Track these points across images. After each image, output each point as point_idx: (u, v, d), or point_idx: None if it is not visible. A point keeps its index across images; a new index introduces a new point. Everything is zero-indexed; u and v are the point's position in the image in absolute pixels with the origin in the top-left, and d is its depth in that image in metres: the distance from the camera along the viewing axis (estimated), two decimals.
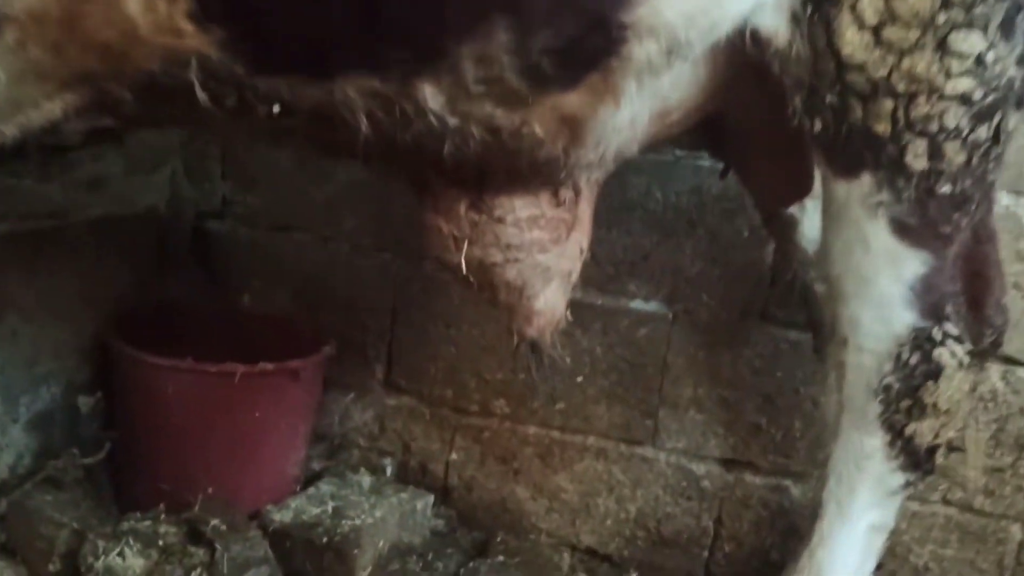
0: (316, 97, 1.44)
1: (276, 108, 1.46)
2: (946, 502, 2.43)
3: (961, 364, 1.67)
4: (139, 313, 2.46)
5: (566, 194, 1.69)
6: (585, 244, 1.81)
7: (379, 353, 2.69)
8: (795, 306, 2.41)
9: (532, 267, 1.72)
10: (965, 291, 1.70)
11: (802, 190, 1.87)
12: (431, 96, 1.43)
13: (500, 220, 1.66)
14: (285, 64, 1.42)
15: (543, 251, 1.72)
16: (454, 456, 2.68)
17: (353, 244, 2.65)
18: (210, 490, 2.22)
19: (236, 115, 1.48)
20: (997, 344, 1.83)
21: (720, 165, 2.29)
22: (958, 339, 1.66)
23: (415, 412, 2.69)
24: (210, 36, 1.34)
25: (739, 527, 2.56)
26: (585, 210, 1.76)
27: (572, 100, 1.47)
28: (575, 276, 1.84)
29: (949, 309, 1.66)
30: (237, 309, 2.63)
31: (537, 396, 2.60)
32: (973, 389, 1.73)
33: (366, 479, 2.53)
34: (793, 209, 2.07)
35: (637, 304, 2.53)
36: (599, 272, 2.52)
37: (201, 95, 1.42)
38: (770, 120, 1.65)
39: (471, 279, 1.74)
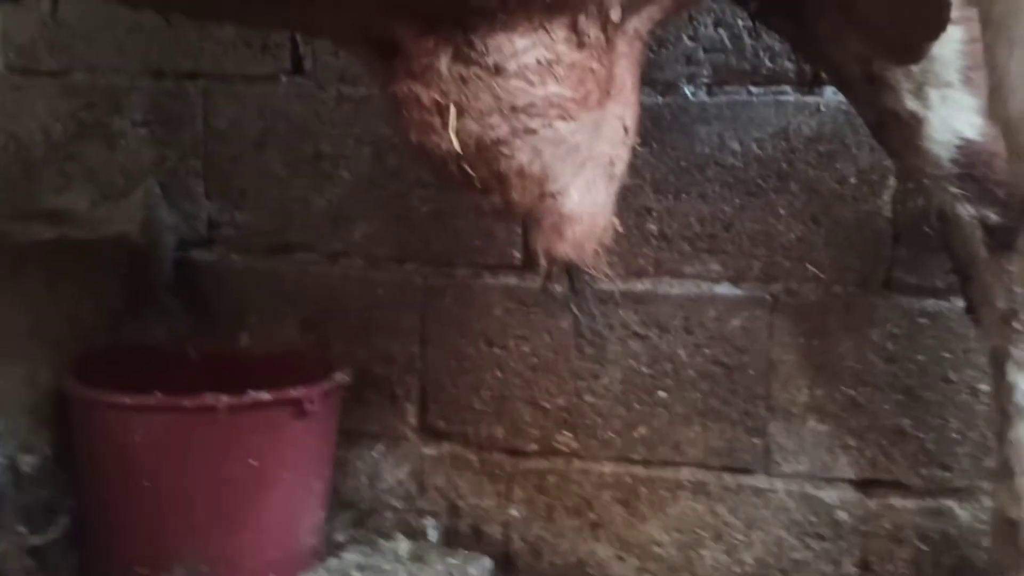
0: None
1: None
2: None
3: None
4: (108, 357, 1.99)
5: (591, 29, 1.18)
6: (631, 123, 1.29)
7: (409, 389, 2.18)
8: (931, 264, 1.89)
9: (553, 142, 1.20)
10: None
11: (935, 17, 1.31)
12: None
13: (498, 70, 1.16)
14: None
15: (566, 117, 1.19)
16: (514, 512, 2.14)
17: (367, 257, 2.19)
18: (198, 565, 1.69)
19: None
20: None
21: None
22: None
23: (460, 460, 2.16)
24: None
25: (893, 569, 1.96)
26: (625, 70, 1.25)
27: None
28: (620, 169, 1.30)
29: None
30: (233, 349, 2.15)
31: (610, 424, 2.07)
32: None
33: (403, 545, 1.98)
34: (913, 104, 1.54)
35: (725, 289, 2.01)
36: (671, 252, 2.03)
37: None
38: None
39: (470, 173, 1.22)
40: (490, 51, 1.16)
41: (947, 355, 1.91)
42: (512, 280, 2.12)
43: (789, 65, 1.94)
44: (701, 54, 2.00)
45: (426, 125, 1.21)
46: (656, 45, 1.98)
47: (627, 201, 2.02)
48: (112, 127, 2.29)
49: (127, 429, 1.75)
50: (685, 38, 2.00)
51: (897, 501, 1.96)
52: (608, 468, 2.09)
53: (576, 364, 2.08)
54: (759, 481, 2.02)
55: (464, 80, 1.17)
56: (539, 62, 1.17)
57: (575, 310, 1.37)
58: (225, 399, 1.72)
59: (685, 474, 2.06)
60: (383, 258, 2.18)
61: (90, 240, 2.07)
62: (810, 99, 1.93)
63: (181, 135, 2.26)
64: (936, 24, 1.27)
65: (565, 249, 1.27)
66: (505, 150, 1.20)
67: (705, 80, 2.00)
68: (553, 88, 1.18)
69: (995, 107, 1.14)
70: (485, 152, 1.20)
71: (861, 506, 1.98)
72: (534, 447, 2.12)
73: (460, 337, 2.14)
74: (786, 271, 1.99)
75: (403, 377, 2.18)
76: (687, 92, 2.01)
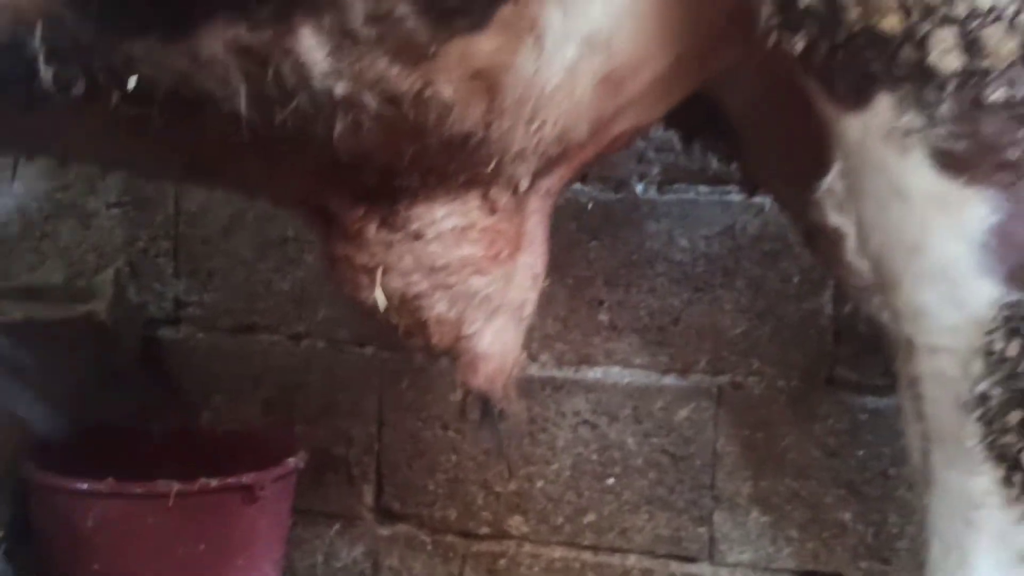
0: (179, 67, 1.10)
1: (132, 82, 1.10)
2: None
3: None
4: (72, 436, 2.03)
5: (502, 197, 1.31)
6: (540, 270, 1.42)
7: (366, 470, 2.22)
8: (871, 362, 1.94)
9: (467, 295, 1.33)
10: None
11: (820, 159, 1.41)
12: (312, 46, 1.08)
13: (418, 236, 1.30)
14: (140, 19, 1.07)
15: (480, 273, 1.33)
16: None
17: (329, 339, 2.24)
18: None
19: (84, 105, 1.12)
20: None
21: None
22: None
23: (414, 541, 2.20)
24: None
25: None
26: (535, 225, 1.38)
27: (484, 45, 1.12)
28: (529, 310, 1.44)
29: None
30: (196, 429, 2.20)
31: (560, 509, 2.11)
32: None
33: None
34: (838, 219, 1.60)
35: (672, 380, 2.06)
36: (621, 342, 2.08)
37: (45, 74, 1.07)
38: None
39: (396, 321, 1.35)
40: (412, 220, 1.30)
41: (886, 450, 1.96)
42: None
43: (734, 167, 2.01)
44: (652, 153, 2.07)
45: (356, 282, 1.34)
46: None
47: (580, 292, 2.10)
48: (87, 207, 2.36)
49: (80, 513, 1.79)
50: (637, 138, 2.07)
51: None
52: (558, 553, 2.13)
53: (528, 450, 2.12)
54: (704, 570, 2.06)
55: (389, 245, 1.30)
56: (455, 228, 1.30)
57: (488, 431, 1.45)
58: (176, 486, 1.77)
59: (632, 561, 2.09)
60: (343, 341, 2.23)
61: (58, 319, 2.12)
62: (755, 200, 1.99)
63: (153, 216, 2.33)
64: (821, 165, 1.34)
65: (479, 383, 1.38)
66: (425, 303, 1.33)
67: (655, 178, 2.07)
68: (468, 250, 1.31)
69: (860, 246, 1.23)
70: (407, 304, 1.34)
71: None
72: (486, 530, 2.16)
73: (416, 420, 2.19)
74: (732, 364, 2.04)
75: (361, 458, 2.22)
76: (638, 189, 2.07)
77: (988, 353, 1.14)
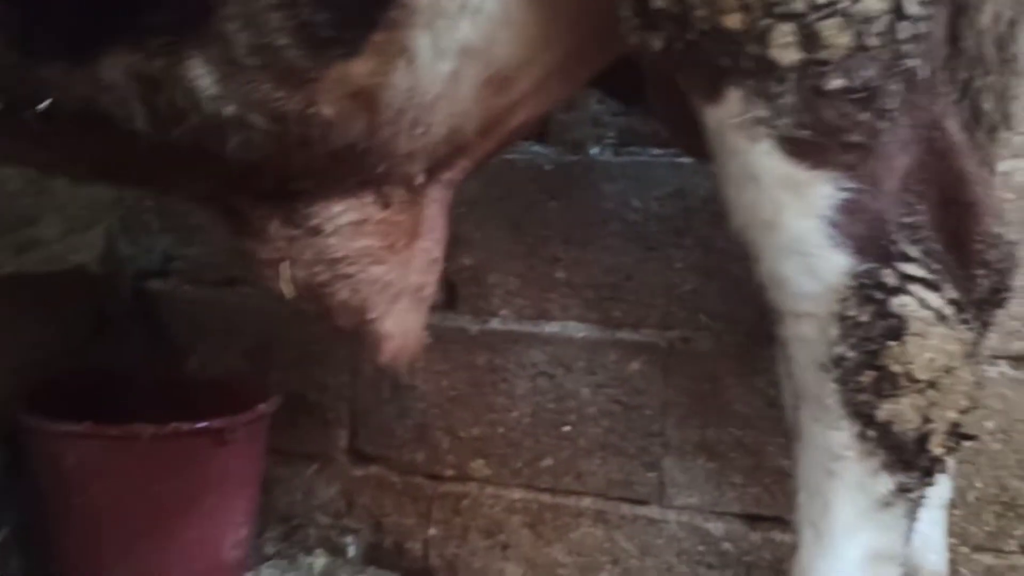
0: (84, 90, 1.22)
1: (44, 104, 1.22)
2: None
3: (941, 316, 1.24)
4: (64, 383, 2.18)
5: (395, 192, 1.42)
6: (438, 253, 1.54)
7: (340, 415, 2.36)
8: None
9: (368, 283, 1.46)
10: (938, 223, 1.29)
11: None
12: (201, 74, 1.20)
13: (317, 231, 1.42)
14: (50, 46, 1.20)
15: (378, 262, 1.45)
16: (432, 531, 2.31)
17: None
18: None
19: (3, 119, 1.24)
20: (1000, 290, 1.38)
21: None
22: (930, 283, 1.25)
23: (385, 482, 2.34)
24: None
25: None
26: (433, 212, 1.49)
27: (359, 69, 1.23)
28: (430, 291, 1.57)
29: (906, 244, 1.25)
30: (182, 375, 2.34)
31: (520, 454, 2.23)
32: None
33: (320, 560, 2.16)
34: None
35: (625, 334, 2.16)
36: (576, 299, 2.18)
37: None
38: None
39: (305, 307, 1.50)
40: (311, 217, 1.42)
41: None
42: (434, 319, 2.27)
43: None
44: (608, 117, 2.14)
45: (265, 273, 1.48)
46: (566, 108, 2.13)
47: (538, 250, 2.19)
48: None
49: (61, 453, 1.94)
50: (593, 102, 2.15)
51: (777, 535, 2.09)
52: (517, 495, 2.25)
53: (490, 398, 2.24)
54: (653, 512, 2.17)
55: (291, 239, 1.43)
56: (351, 223, 1.42)
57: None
58: (150, 429, 1.91)
59: (587, 503, 2.21)
60: None
61: (51, 272, 2.26)
62: (705, 163, 2.06)
63: None
64: None
65: (384, 360, 1.50)
66: (328, 290, 1.47)
67: (611, 141, 2.14)
68: (365, 241, 1.43)
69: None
70: (313, 292, 1.47)
71: (745, 539, 2.12)
72: (451, 472, 2.29)
73: (386, 369, 2.31)
74: (681, 320, 2.13)
75: (335, 404, 2.36)
76: (594, 152, 2.15)
77: (843, 318, 1.24)
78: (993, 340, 1.85)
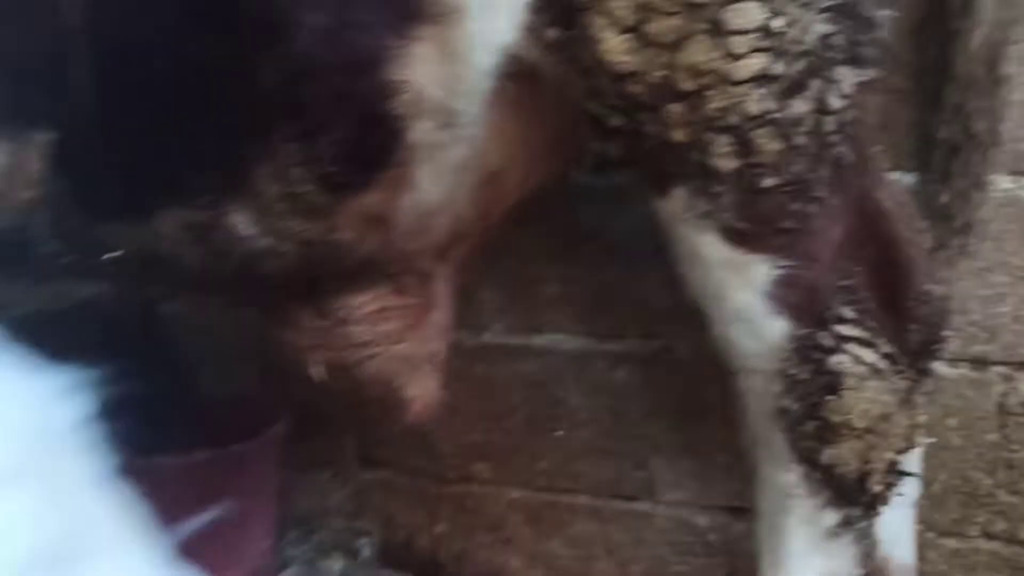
0: (142, 239, 1.41)
1: (111, 256, 1.41)
2: (988, 536, 2.11)
3: (875, 370, 1.39)
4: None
5: (408, 281, 1.61)
6: (447, 320, 1.72)
7: (350, 425, 2.51)
8: None
9: (392, 359, 1.65)
10: (873, 284, 1.43)
11: None
12: (240, 221, 1.39)
13: (345, 321, 1.59)
14: (112, 209, 1.40)
15: (400, 341, 1.64)
16: (440, 528, 2.48)
17: None
18: None
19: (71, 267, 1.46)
20: (931, 343, 1.52)
21: None
22: (865, 341, 1.39)
23: (393, 484, 2.50)
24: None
25: None
26: (441, 288, 1.67)
27: (371, 199, 1.39)
28: (442, 355, 1.75)
29: (841, 306, 1.39)
30: (191, 395, 2.49)
31: (518, 457, 2.39)
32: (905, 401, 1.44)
33: (337, 564, 2.34)
34: None
35: (611, 345, 2.30)
36: (564, 313, 2.30)
37: (44, 248, 1.40)
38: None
39: (335, 386, 1.68)
40: (338, 309, 1.59)
41: None
42: None
43: None
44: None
45: (300, 359, 1.65)
46: None
47: (526, 269, 2.32)
48: None
49: None
50: None
51: None
52: (517, 494, 2.41)
53: (487, 407, 2.39)
54: (644, 507, 2.33)
55: (321, 329, 1.60)
56: (372, 311, 1.59)
57: None
58: (169, 461, 2.06)
59: (582, 500, 2.37)
60: None
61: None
62: None
63: None
64: None
65: (408, 419, 1.70)
66: (357, 370, 1.64)
67: (590, 165, 2.24)
68: (387, 326, 1.61)
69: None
70: (343, 372, 1.65)
71: (729, 529, 2.28)
72: (454, 474, 2.45)
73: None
74: (662, 331, 2.25)
75: (344, 413, 2.51)
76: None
77: (786, 375, 1.40)
78: (955, 345, 1.99)
